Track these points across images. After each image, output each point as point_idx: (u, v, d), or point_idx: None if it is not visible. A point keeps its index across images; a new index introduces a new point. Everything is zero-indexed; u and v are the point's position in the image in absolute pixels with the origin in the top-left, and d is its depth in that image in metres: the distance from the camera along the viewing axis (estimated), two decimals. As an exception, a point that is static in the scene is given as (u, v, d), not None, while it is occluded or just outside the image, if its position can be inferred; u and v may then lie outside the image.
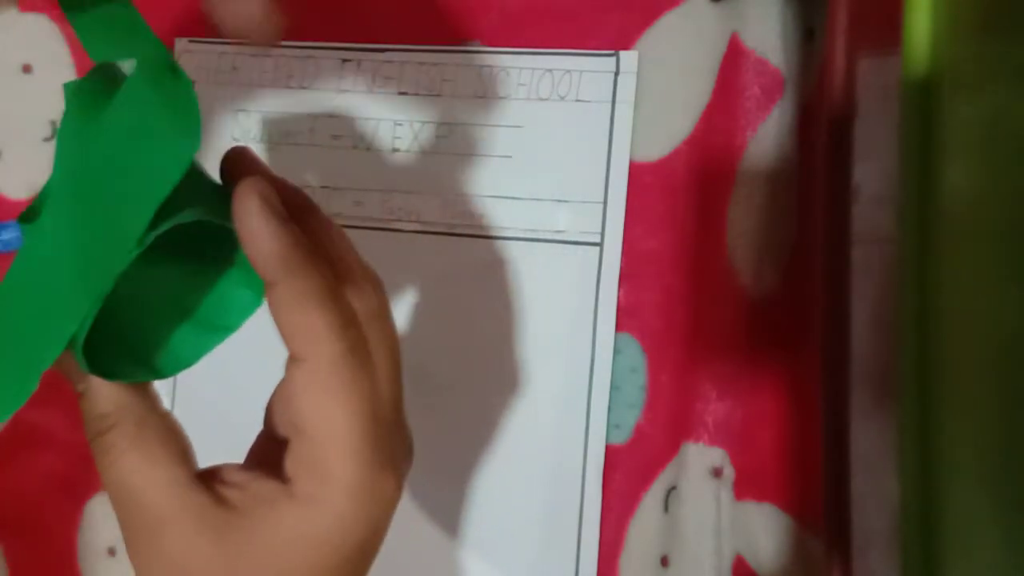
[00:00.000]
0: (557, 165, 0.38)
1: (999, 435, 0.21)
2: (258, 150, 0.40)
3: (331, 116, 0.40)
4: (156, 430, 0.23)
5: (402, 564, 0.38)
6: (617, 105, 0.37)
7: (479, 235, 0.38)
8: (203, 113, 0.22)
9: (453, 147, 0.39)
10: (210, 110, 0.40)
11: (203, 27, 0.41)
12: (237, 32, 0.22)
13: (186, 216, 0.22)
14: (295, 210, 0.24)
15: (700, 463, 0.36)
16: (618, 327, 0.37)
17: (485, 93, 0.39)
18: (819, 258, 0.34)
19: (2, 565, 0.42)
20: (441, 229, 0.39)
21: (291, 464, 0.24)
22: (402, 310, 0.39)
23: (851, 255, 0.30)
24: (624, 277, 0.37)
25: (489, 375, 0.38)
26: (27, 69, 0.43)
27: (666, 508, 0.37)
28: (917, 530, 0.23)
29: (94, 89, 0.21)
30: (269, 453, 0.25)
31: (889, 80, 0.25)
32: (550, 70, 0.38)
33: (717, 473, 0.36)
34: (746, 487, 0.36)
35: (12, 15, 0.43)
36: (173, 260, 0.24)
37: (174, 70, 0.21)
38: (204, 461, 0.25)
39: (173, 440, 0.24)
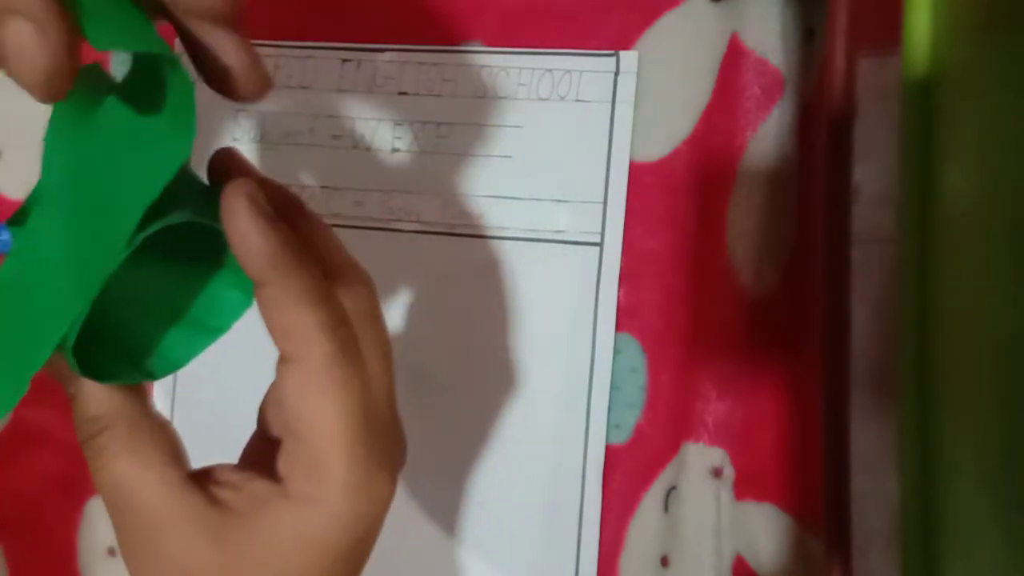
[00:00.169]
0: (557, 165, 0.38)
1: (999, 435, 0.21)
2: (258, 150, 0.40)
3: (331, 116, 0.40)
4: (148, 432, 0.23)
5: (402, 564, 0.38)
6: (617, 105, 0.37)
7: (479, 235, 0.38)
8: (203, 113, 0.22)
9: (453, 147, 0.39)
10: (210, 110, 0.40)
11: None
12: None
13: (175, 218, 0.22)
14: (283, 210, 0.23)
15: (700, 463, 0.36)
16: (618, 327, 0.37)
17: (485, 93, 0.39)
18: (819, 258, 0.34)
19: (2, 565, 0.42)
20: (441, 229, 0.39)
21: (284, 464, 0.24)
22: (402, 310, 0.39)
23: (851, 255, 0.30)
24: (624, 277, 0.37)
25: (489, 375, 0.38)
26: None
27: (666, 508, 0.37)
28: (917, 530, 0.23)
29: (82, 91, 0.21)
30: (263, 453, 0.25)
31: (889, 80, 0.25)
32: (550, 70, 0.38)
33: (717, 473, 0.36)
34: (746, 487, 0.36)
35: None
36: (163, 261, 0.24)
37: (174, 66, 0.21)
38: (204, 462, 0.25)
39: (166, 441, 0.24)
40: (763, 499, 0.36)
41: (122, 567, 0.41)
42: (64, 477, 0.42)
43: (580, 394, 0.37)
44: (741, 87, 0.37)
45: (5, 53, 0.19)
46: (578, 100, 0.38)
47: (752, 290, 0.36)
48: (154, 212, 0.21)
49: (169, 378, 0.38)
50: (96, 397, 0.23)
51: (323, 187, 0.40)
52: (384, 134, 0.39)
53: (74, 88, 0.20)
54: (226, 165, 0.24)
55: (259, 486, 0.24)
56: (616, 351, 0.37)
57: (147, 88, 0.22)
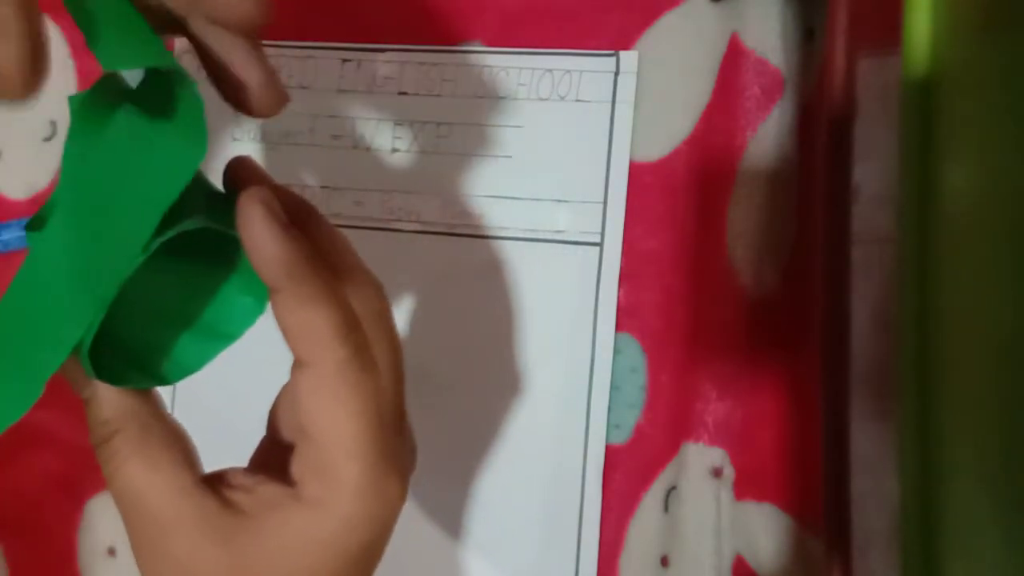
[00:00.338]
0: (557, 165, 0.38)
1: (999, 435, 0.21)
2: (258, 150, 0.40)
3: (331, 116, 0.40)
4: (160, 435, 0.24)
5: (402, 564, 0.38)
6: (617, 105, 0.37)
7: (479, 235, 0.38)
8: (203, 113, 0.22)
9: (453, 147, 0.39)
10: (210, 110, 0.40)
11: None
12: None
13: (191, 223, 0.22)
14: (297, 217, 0.24)
15: (700, 463, 0.36)
16: (618, 327, 0.37)
17: (485, 93, 0.39)
18: (819, 258, 0.34)
19: (2, 565, 0.42)
20: (441, 229, 0.39)
21: (297, 468, 0.24)
22: (402, 310, 0.39)
23: (851, 255, 0.30)
24: (624, 277, 0.37)
25: (489, 375, 0.38)
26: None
27: (666, 508, 0.37)
28: (917, 530, 0.23)
29: (99, 100, 0.22)
30: (273, 458, 0.25)
31: (889, 80, 0.25)
32: (550, 70, 0.38)
33: (717, 473, 0.36)
34: (746, 487, 0.36)
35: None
36: (175, 268, 0.25)
37: (182, 79, 0.22)
38: (204, 464, 0.25)
39: (177, 445, 0.24)
40: (763, 499, 0.36)
41: (123, 567, 0.41)
42: (64, 477, 0.42)
43: (580, 394, 0.37)
44: (741, 87, 0.37)
45: None
46: (578, 100, 0.38)
47: (752, 290, 0.36)
48: (169, 218, 0.21)
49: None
50: (109, 400, 0.23)
51: (323, 187, 0.40)
52: (384, 134, 0.39)
53: (91, 98, 0.21)
54: (240, 173, 0.25)
55: (271, 489, 0.24)
56: (616, 351, 0.37)
57: (160, 97, 0.22)
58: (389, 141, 0.39)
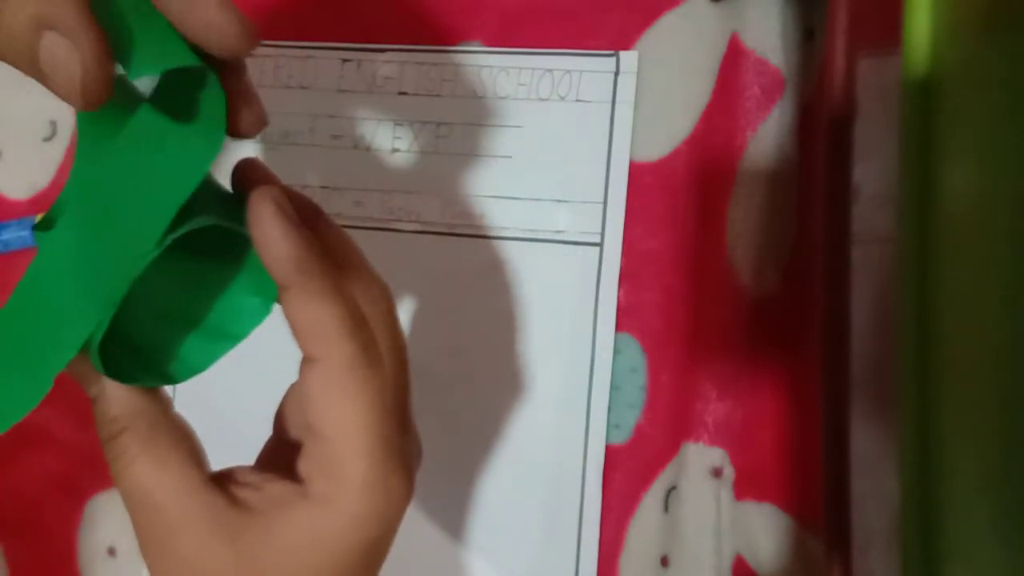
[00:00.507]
0: (557, 165, 0.38)
1: (999, 435, 0.21)
2: (258, 150, 0.40)
3: (331, 116, 0.40)
4: (168, 433, 0.24)
5: (402, 563, 0.38)
6: (617, 105, 0.37)
7: (479, 235, 0.38)
8: (225, 109, 0.22)
9: (453, 147, 0.39)
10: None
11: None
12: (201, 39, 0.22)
13: (203, 221, 0.22)
14: (305, 216, 0.24)
15: (700, 463, 0.36)
16: (618, 327, 0.37)
17: (485, 93, 0.39)
18: (819, 258, 0.34)
19: (2, 565, 0.42)
20: (441, 229, 0.39)
21: (305, 465, 0.24)
22: (402, 310, 0.39)
23: (851, 255, 0.30)
24: (624, 277, 0.37)
25: (489, 375, 0.38)
26: (27, 69, 0.43)
27: (666, 508, 0.37)
28: (917, 530, 0.23)
29: (113, 108, 0.22)
30: (280, 457, 0.26)
31: (889, 80, 0.25)
32: (550, 70, 0.38)
33: (717, 473, 0.36)
34: (746, 487, 0.36)
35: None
36: (183, 268, 0.25)
37: (206, 75, 0.22)
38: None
39: (185, 443, 0.24)
40: (763, 499, 0.36)
41: (122, 567, 0.41)
42: (64, 477, 0.42)
43: (580, 394, 0.37)
44: (741, 87, 0.37)
45: (42, 67, 0.20)
46: (578, 100, 0.38)
47: (752, 290, 0.36)
48: (179, 217, 0.21)
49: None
50: (117, 398, 0.24)
51: (323, 187, 0.40)
52: (384, 134, 0.39)
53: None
54: (249, 173, 0.25)
55: (279, 487, 0.24)
56: (616, 351, 0.37)
57: (174, 95, 0.22)
58: (389, 141, 0.39)
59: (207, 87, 0.22)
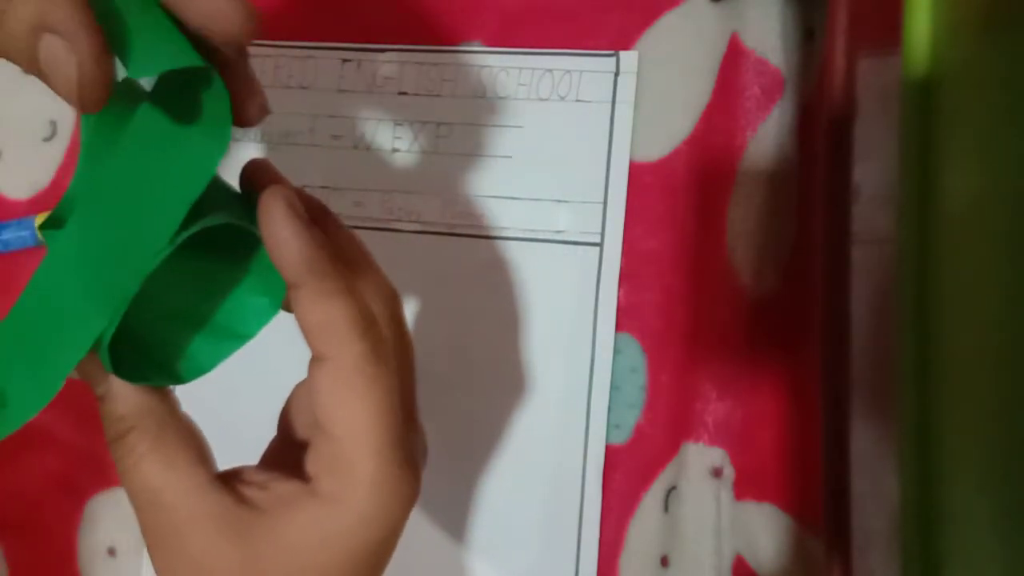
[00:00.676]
0: (557, 165, 0.38)
1: (999, 435, 0.21)
2: (258, 150, 0.40)
3: (331, 116, 0.40)
4: (176, 433, 0.24)
5: (403, 563, 0.38)
6: (617, 105, 0.37)
7: (479, 235, 0.38)
8: (230, 108, 0.22)
9: (453, 147, 0.39)
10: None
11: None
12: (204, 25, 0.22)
13: (214, 219, 0.22)
14: (314, 216, 0.24)
15: (700, 463, 0.36)
16: (618, 327, 0.37)
17: (485, 93, 0.39)
18: (819, 258, 0.34)
19: (2, 565, 0.42)
20: (441, 229, 0.39)
21: (313, 464, 0.24)
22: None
23: (851, 255, 0.30)
24: (624, 277, 0.37)
25: (489, 375, 0.38)
26: (27, 69, 0.43)
27: (666, 508, 0.37)
28: (917, 530, 0.23)
29: (114, 99, 0.22)
30: (285, 457, 0.26)
31: (889, 80, 0.25)
32: (550, 70, 0.38)
33: (717, 473, 0.36)
34: (746, 487, 0.36)
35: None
36: (192, 267, 0.25)
37: (209, 74, 0.22)
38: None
39: (193, 442, 0.24)
40: (763, 499, 0.36)
41: (122, 567, 0.41)
42: (64, 477, 0.42)
43: (580, 394, 0.37)
44: (741, 87, 0.37)
45: (41, 68, 0.20)
46: (578, 100, 0.38)
47: (752, 290, 0.36)
48: (189, 216, 0.22)
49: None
50: (125, 397, 0.24)
51: (323, 187, 0.40)
52: (384, 134, 0.39)
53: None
54: (259, 173, 0.25)
55: (286, 486, 0.24)
56: (616, 351, 0.37)
57: (180, 94, 0.22)
58: (389, 141, 0.39)
59: (211, 84, 0.22)
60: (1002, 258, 0.20)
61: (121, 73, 0.21)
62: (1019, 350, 0.20)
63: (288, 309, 0.25)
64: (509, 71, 0.39)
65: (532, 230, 0.38)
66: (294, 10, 0.41)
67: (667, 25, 0.38)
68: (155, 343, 0.25)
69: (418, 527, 0.38)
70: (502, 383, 0.38)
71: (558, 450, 0.37)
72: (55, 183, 0.43)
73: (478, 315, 0.38)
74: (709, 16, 0.37)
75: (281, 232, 0.23)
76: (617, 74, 0.38)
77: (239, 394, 0.37)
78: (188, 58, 0.21)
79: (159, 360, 0.25)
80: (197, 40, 0.22)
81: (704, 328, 0.37)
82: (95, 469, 0.41)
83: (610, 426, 0.37)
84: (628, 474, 0.37)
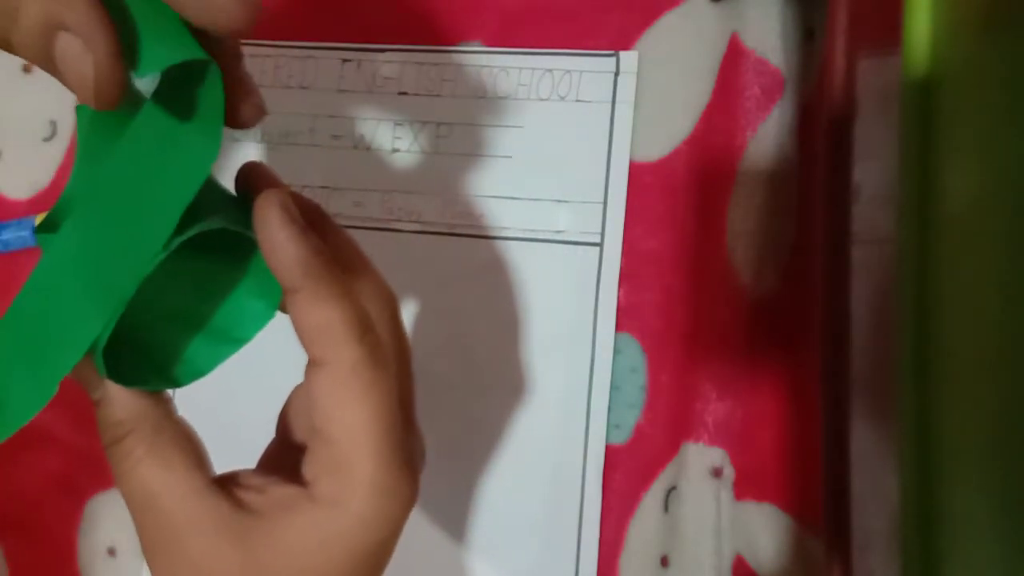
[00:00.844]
0: (557, 165, 0.38)
1: (999, 435, 0.21)
2: (258, 150, 0.40)
3: (331, 116, 0.40)
4: (172, 436, 0.24)
5: (403, 563, 0.38)
6: (617, 105, 0.37)
7: (479, 235, 0.38)
8: (223, 106, 0.22)
9: (453, 147, 0.39)
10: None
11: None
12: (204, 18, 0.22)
13: (210, 223, 0.22)
14: (310, 220, 0.24)
15: (700, 463, 0.36)
16: (618, 327, 0.37)
17: (485, 93, 0.39)
18: (819, 258, 0.34)
19: (2, 565, 0.42)
20: (441, 229, 0.39)
21: (311, 467, 0.24)
22: (402, 310, 0.39)
23: (851, 255, 0.30)
24: (624, 277, 0.37)
25: (489, 375, 0.38)
26: (27, 69, 0.43)
27: (666, 508, 0.37)
28: (917, 530, 0.23)
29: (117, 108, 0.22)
30: (283, 460, 0.26)
31: (889, 80, 0.25)
32: (550, 70, 0.38)
33: (717, 473, 0.36)
34: (746, 487, 0.36)
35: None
36: (188, 271, 0.25)
37: (210, 70, 0.22)
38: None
39: (189, 446, 0.24)
40: (763, 499, 0.36)
41: (122, 567, 0.41)
42: (64, 477, 0.42)
43: (580, 394, 0.37)
44: (741, 87, 0.37)
45: (57, 66, 0.20)
46: (578, 100, 0.38)
47: (752, 290, 0.36)
48: (184, 219, 0.21)
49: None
50: (121, 401, 0.24)
51: (323, 187, 0.40)
52: (384, 134, 0.39)
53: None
54: (254, 177, 0.25)
55: (283, 490, 0.24)
56: (616, 351, 0.37)
57: (173, 93, 0.22)
58: (389, 141, 0.39)
59: (206, 83, 0.22)
60: (1002, 258, 0.20)
61: None
62: (1019, 350, 0.20)
63: (286, 312, 0.25)
64: (509, 71, 0.39)
65: (532, 230, 0.38)
66: (294, 10, 0.41)
67: (667, 25, 0.38)
68: (151, 346, 0.25)
69: (418, 527, 0.38)
70: (502, 383, 0.38)
71: (558, 450, 0.37)
72: (55, 183, 0.43)
73: (478, 315, 0.38)
74: (709, 16, 0.37)
75: (276, 236, 0.22)
76: (617, 74, 0.38)
77: (237, 397, 0.37)
78: (192, 51, 0.21)
79: (156, 363, 0.25)
80: (194, 33, 0.22)
81: (704, 328, 0.37)
82: (95, 469, 0.41)
83: (610, 426, 0.37)
84: (628, 474, 0.37)
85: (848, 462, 0.30)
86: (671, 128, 0.37)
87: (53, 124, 0.43)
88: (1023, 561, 0.19)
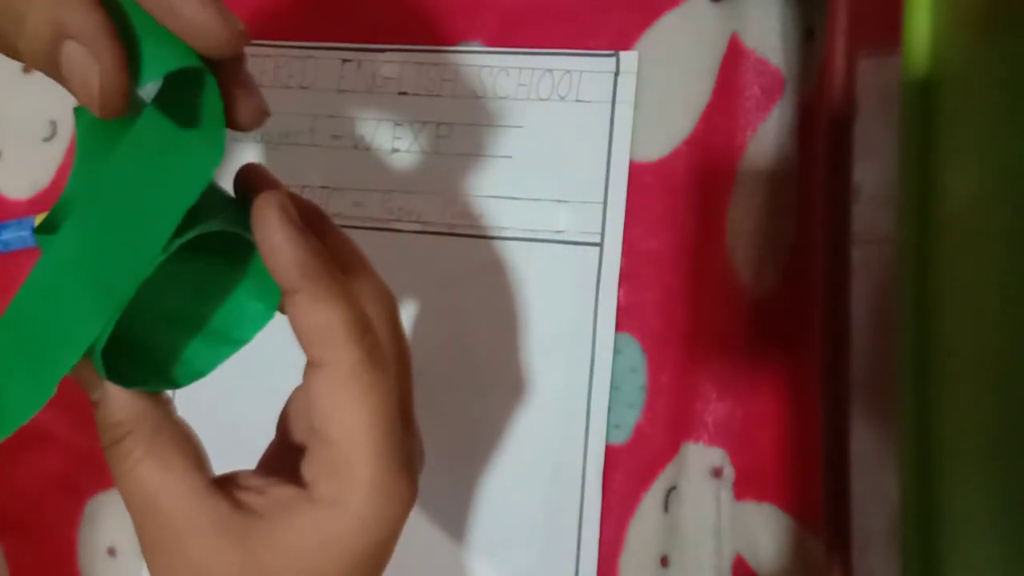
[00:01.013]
0: (557, 165, 0.38)
1: (999, 435, 0.21)
2: (258, 150, 0.40)
3: (331, 116, 0.40)
4: (171, 437, 0.24)
5: (402, 563, 0.38)
6: (617, 105, 0.37)
7: (479, 235, 0.38)
8: (223, 113, 0.22)
9: (453, 147, 0.39)
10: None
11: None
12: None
13: (210, 226, 0.22)
14: (309, 221, 0.24)
15: (700, 463, 0.36)
16: (618, 327, 0.37)
17: (485, 93, 0.39)
18: (819, 258, 0.34)
19: (2, 565, 0.42)
20: (441, 229, 0.39)
21: (310, 468, 0.24)
22: (402, 310, 0.39)
23: (851, 255, 0.30)
24: (624, 277, 0.37)
25: (489, 375, 0.38)
26: (27, 69, 0.44)
27: (666, 508, 0.37)
28: (917, 530, 0.23)
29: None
30: (283, 461, 0.26)
31: (889, 80, 0.25)
32: (550, 70, 0.38)
33: (717, 473, 0.36)
34: (746, 487, 0.36)
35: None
36: (186, 272, 0.25)
37: (204, 77, 0.22)
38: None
39: (188, 447, 0.24)
40: (763, 499, 0.36)
41: (122, 567, 0.41)
42: (64, 477, 0.42)
43: (580, 394, 0.37)
44: (741, 87, 0.37)
45: (63, 75, 0.20)
46: (578, 100, 0.38)
47: (752, 290, 0.36)
48: (185, 221, 0.22)
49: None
50: (120, 402, 0.24)
51: (323, 187, 0.40)
52: (384, 134, 0.39)
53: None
54: (253, 178, 0.25)
55: (283, 491, 0.24)
56: (616, 351, 0.37)
57: (175, 99, 0.22)
58: (389, 141, 0.39)
59: (206, 89, 0.22)
60: (1002, 258, 0.20)
61: None
62: (1019, 350, 0.20)
63: (285, 313, 0.25)
64: (509, 71, 0.39)
65: (532, 230, 0.38)
66: (294, 10, 0.41)
67: (667, 25, 0.38)
68: (151, 347, 0.25)
69: (418, 527, 0.38)
70: (502, 383, 0.38)
71: (558, 450, 0.37)
72: (55, 183, 0.43)
73: (478, 315, 0.38)
74: (709, 16, 0.37)
75: (274, 238, 0.23)
76: (617, 74, 0.38)
77: (237, 397, 0.37)
78: (187, 59, 0.21)
79: (155, 364, 0.25)
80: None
81: (704, 328, 0.37)
82: (95, 469, 0.41)
83: (610, 426, 0.37)
84: (628, 474, 0.37)
85: (848, 462, 0.30)
86: (671, 128, 0.37)
87: (53, 124, 0.43)
88: (1023, 561, 0.19)
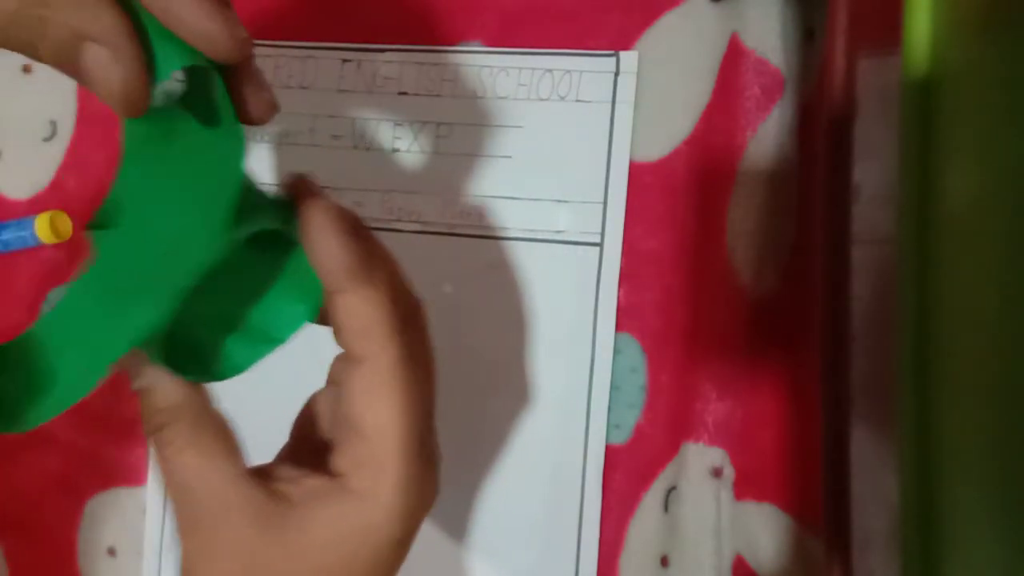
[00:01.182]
0: (557, 165, 0.38)
1: (999, 435, 0.21)
2: (258, 150, 0.40)
3: (331, 116, 0.40)
4: (212, 426, 0.25)
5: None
6: (617, 105, 0.37)
7: (479, 235, 0.38)
8: (232, 106, 0.23)
9: (453, 147, 0.39)
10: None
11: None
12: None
13: (265, 223, 0.23)
14: (351, 226, 0.25)
15: (700, 463, 0.36)
16: (618, 327, 0.37)
17: (485, 93, 0.39)
18: (819, 258, 0.34)
19: (2, 565, 0.42)
20: (441, 229, 0.39)
21: (343, 461, 0.25)
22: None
23: (851, 255, 0.30)
24: (624, 277, 0.37)
25: (489, 375, 0.38)
26: (27, 69, 0.43)
27: (666, 508, 0.37)
28: (917, 530, 0.23)
29: (156, 113, 0.23)
30: (299, 460, 0.27)
31: (889, 80, 0.25)
32: (550, 70, 0.38)
33: (717, 473, 0.36)
34: (746, 487, 0.36)
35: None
36: (228, 268, 0.25)
37: (210, 75, 0.23)
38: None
39: (227, 437, 0.25)
40: (763, 499, 0.36)
41: (122, 567, 0.41)
42: (64, 477, 0.42)
43: (580, 394, 0.37)
44: (741, 87, 0.37)
45: (85, 77, 0.21)
46: (578, 100, 0.38)
47: (752, 290, 0.36)
48: (239, 218, 0.22)
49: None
50: (166, 391, 0.25)
51: (323, 187, 0.40)
52: (384, 134, 0.39)
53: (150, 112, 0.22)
54: (302, 186, 0.26)
55: (316, 481, 0.25)
56: (616, 351, 0.37)
57: (196, 100, 0.23)
58: (389, 141, 0.39)
59: (220, 88, 0.23)
60: (1002, 258, 0.20)
61: None
62: (1019, 350, 0.20)
63: (320, 321, 0.26)
64: (509, 71, 0.39)
65: (532, 230, 0.38)
66: (294, 10, 0.41)
67: (667, 25, 0.38)
68: (195, 341, 0.26)
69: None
70: (502, 383, 0.38)
71: (558, 450, 0.37)
72: (55, 183, 0.43)
73: (478, 315, 0.38)
74: (709, 16, 0.37)
75: (325, 242, 0.24)
76: (617, 74, 0.38)
77: (237, 396, 0.37)
78: (194, 58, 0.22)
79: (198, 358, 0.26)
80: None
81: (704, 328, 0.37)
82: (95, 469, 0.41)
83: (610, 426, 0.37)
84: (628, 474, 0.37)
85: (848, 462, 0.30)
86: (671, 128, 0.37)
87: (53, 124, 0.43)
88: (1023, 561, 0.19)
